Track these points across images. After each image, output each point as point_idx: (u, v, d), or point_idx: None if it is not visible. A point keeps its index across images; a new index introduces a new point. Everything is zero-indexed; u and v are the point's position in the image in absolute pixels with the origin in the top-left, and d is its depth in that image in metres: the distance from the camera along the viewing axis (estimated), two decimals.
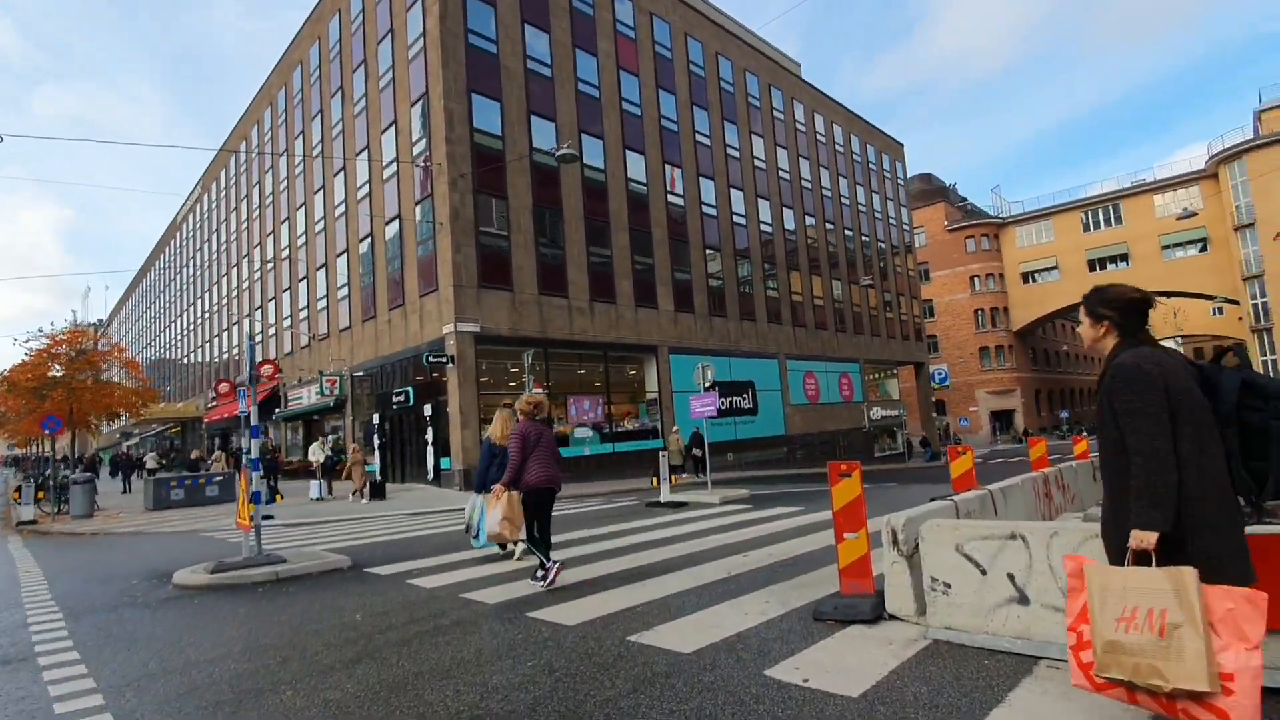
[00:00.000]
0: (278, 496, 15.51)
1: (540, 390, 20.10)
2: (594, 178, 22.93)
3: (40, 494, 15.77)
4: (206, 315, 41.14)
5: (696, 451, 23.45)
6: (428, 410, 19.26)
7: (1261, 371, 45.58)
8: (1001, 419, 55.37)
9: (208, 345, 40.78)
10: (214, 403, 36.89)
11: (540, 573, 5.60)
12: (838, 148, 36.98)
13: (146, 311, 58.79)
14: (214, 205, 41.14)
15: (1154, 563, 2.16)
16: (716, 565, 6.20)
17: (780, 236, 31.10)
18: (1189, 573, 2.05)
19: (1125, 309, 2.40)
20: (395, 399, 20.76)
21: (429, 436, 19.17)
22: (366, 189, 23.24)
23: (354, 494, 16.54)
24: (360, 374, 23.50)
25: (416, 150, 20.33)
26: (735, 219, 28.63)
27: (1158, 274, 51.44)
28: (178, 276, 48.85)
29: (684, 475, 20.81)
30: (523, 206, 20.58)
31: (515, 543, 6.59)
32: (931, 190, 59.63)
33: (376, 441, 21.69)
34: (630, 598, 5.02)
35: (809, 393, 31.00)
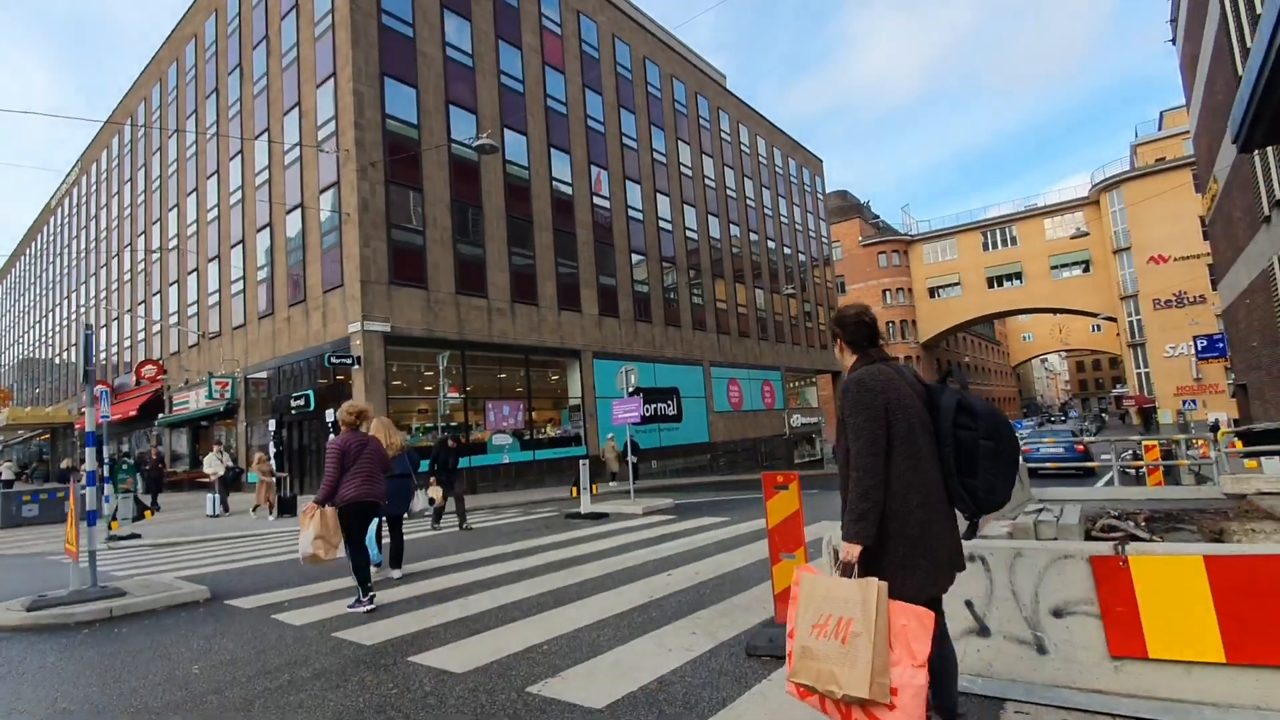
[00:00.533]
0: (147, 513, 13.74)
1: (455, 395, 19.02)
2: (517, 174, 22.04)
3: None
4: (82, 310, 37.09)
5: (632, 459, 22.95)
6: (330, 416, 17.75)
7: (1135, 384, 49.43)
8: None
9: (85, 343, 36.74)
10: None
11: (360, 601, 5.31)
12: (761, 159, 37.54)
13: (15, 305, 52.66)
14: (93, 189, 37.22)
15: (855, 574, 2.22)
16: (637, 587, 5.60)
17: (705, 244, 31.11)
18: (874, 585, 2.13)
19: (851, 328, 2.51)
20: (294, 403, 19.07)
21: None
22: (266, 175, 21.39)
23: (254, 509, 14.88)
24: (255, 376, 21.54)
25: (322, 135, 18.85)
26: (661, 224, 28.37)
27: (1047, 291, 55.36)
28: (51, 266, 43.94)
29: (612, 484, 20.49)
30: (439, 200, 19.45)
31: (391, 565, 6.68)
32: (847, 207, 61.94)
33: (272, 450, 19.82)
34: (536, 632, 4.34)
35: (732, 400, 31.07)
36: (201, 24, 26.20)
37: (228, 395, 21.65)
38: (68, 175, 40.53)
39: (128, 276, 31.51)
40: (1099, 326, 74.82)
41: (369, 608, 5.22)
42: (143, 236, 30.17)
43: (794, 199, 40.67)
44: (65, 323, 39.66)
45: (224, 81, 24.30)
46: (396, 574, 6.52)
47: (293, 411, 19.11)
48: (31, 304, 47.06)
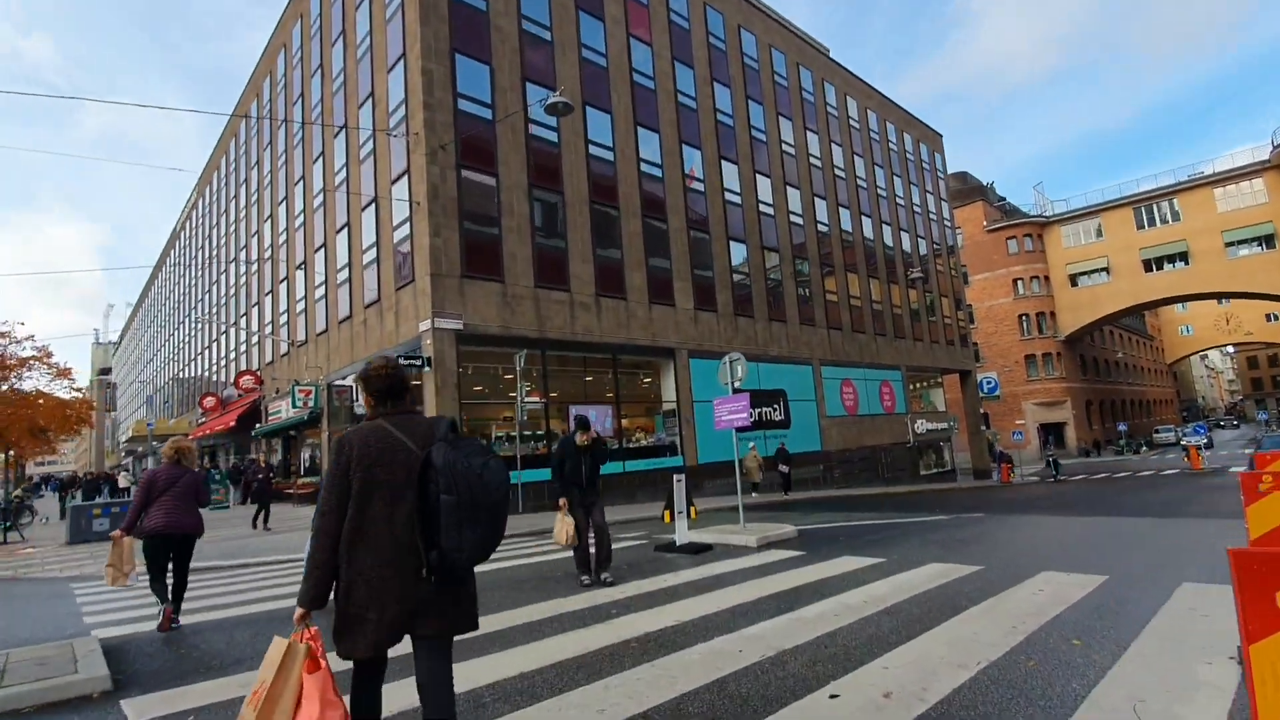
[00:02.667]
0: None
1: (536, 400, 17.01)
2: (601, 156, 19.95)
3: None
4: (199, 326, 38.89)
5: (783, 468, 20.70)
6: None
7: None
8: (1052, 432, 51.02)
9: (200, 357, 38.49)
10: (202, 419, 34.43)
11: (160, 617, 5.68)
12: (873, 135, 33.69)
13: (151, 325, 57.13)
14: (207, 210, 39.06)
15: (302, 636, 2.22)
16: None
17: (812, 229, 27.82)
18: (282, 645, 2.19)
19: (368, 383, 2.50)
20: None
21: None
22: (344, 174, 20.52)
23: None
24: (338, 383, 20.58)
25: (394, 122, 17.54)
26: (762, 208, 25.44)
27: (1220, 273, 47.18)
28: (175, 287, 46.94)
29: (755, 495, 19.48)
30: (516, 187, 17.63)
31: None
32: (968, 189, 55.95)
33: None
34: None
35: (847, 403, 27.48)
36: (290, 32, 26.17)
37: (311, 404, 20.85)
38: (188, 199, 42.97)
39: (233, 290, 32.33)
40: (1276, 316, 63.66)
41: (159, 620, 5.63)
42: (244, 250, 30.77)
43: (911, 178, 36.38)
44: (187, 339, 41.85)
45: (308, 85, 23.93)
46: None
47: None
48: (164, 323, 50.54)
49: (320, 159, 22.38)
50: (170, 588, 5.77)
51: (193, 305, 40.97)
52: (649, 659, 4.10)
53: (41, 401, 18.82)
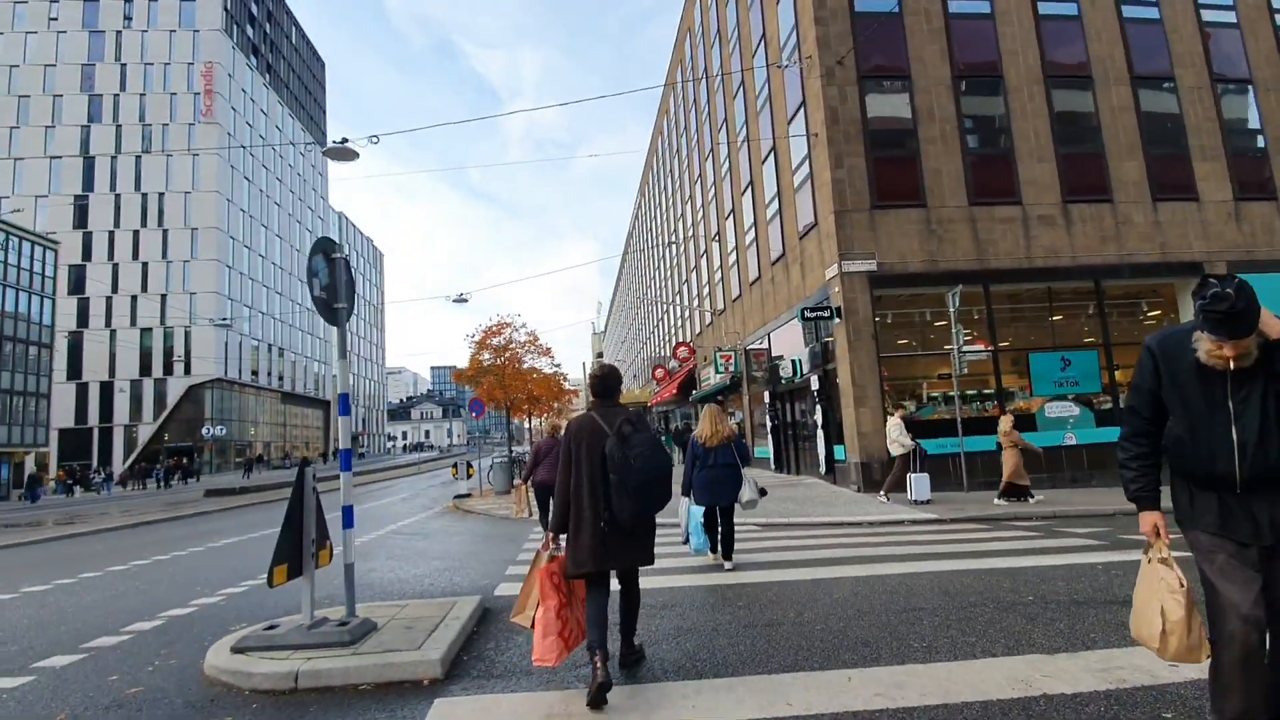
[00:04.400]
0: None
1: (980, 349, 13.34)
2: (1057, 13, 14.71)
3: (470, 471, 17.17)
4: (649, 307, 45.02)
5: None
6: (814, 383, 14.70)
7: None
8: None
9: (654, 334, 44.54)
10: (657, 388, 39.66)
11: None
12: None
13: (621, 312, 69.46)
14: (646, 207, 44.74)
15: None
16: None
17: None
18: (537, 551, 3.51)
19: (591, 386, 3.66)
20: (782, 373, 16.83)
21: (818, 418, 14.57)
22: (743, 132, 20.01)
23: (1010, 495, 10.74)
24: (753, 346, 20.40)
25: (786, 53, 16.00)
26: None
27: None
28: (631, 277, 55.61)
29: None
30: (936, 84, 14.14)
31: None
32: None
33: (769, 424, 18.16)
34: None
35: None
36: (692, 13, 27.20)
37: (732, 368, 21.17)
38: (635, 203, 50.06)
39: (670, 272, 36.04)
40: None
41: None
42: (674, 233, 33.84)
43: None
44: (644, 320, 48.97)
45: (709, 55, 24.37)
46: (728, 565, 6.44)
47: (781, 381, 16.88)
48: (628, 309, 60.58)
49: (724, 125, 22.46)
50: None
51: (644, 291, 47.74)
52: None
53: (535, 375, 23.85)
